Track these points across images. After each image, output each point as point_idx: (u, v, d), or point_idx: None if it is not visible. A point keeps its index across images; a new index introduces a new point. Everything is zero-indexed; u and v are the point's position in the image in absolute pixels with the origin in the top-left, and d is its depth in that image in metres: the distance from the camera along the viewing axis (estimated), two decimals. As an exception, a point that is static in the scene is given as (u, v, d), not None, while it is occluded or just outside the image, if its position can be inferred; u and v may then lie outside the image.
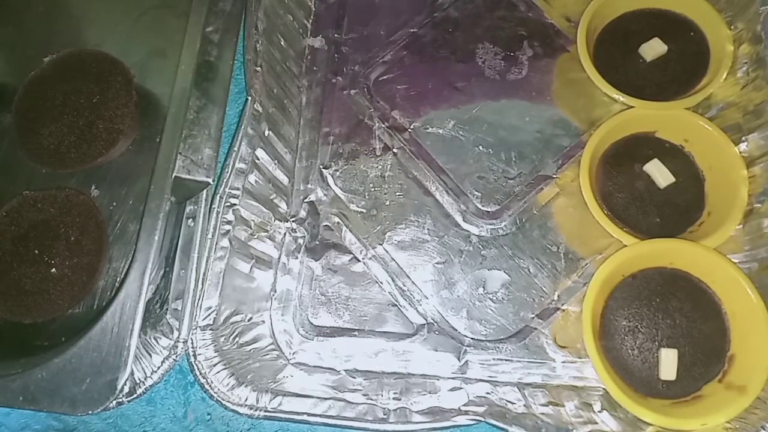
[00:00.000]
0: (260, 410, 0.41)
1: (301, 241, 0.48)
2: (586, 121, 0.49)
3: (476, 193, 0.48)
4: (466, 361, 0.44)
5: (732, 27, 0.48)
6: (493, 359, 0.44)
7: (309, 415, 0.41)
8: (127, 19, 0.54)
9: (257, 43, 0.49)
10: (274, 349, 0.45)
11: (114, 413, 0.44)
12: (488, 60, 0.52)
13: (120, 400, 0.41)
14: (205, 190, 0.46)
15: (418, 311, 0.46)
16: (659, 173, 0.46)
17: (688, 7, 0.50)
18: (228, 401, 0.41)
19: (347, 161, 0.50)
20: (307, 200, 0.50)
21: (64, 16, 0.54)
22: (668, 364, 0.41)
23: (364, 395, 0.43)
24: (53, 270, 0.45)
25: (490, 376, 0.44)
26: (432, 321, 0.46)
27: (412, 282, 0.47)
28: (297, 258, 0.48)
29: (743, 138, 0.46)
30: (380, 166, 0.50)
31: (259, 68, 0.49)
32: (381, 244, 0.48)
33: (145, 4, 0.54)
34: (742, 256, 0.44)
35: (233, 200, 0.46)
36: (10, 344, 0.44)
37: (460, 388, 0.43)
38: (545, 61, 0.52)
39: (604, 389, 0.42)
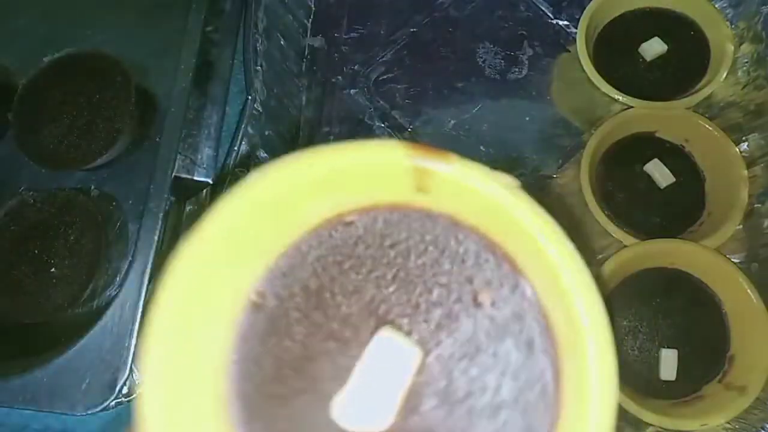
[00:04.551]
0: (260, 410, 0.41)
1: (300, 240, 0.48)
2: (586, 120, 0.49)
3: (476, 192, 0.48)
4: (466, 361, 0.44)
5: (733, 26, 0.48)
6: (493, 359, 0.44)
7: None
8: (126, 18, 0.54)
9: (257, 43, 0.49)
10: (274, 349, 0.45)
11: (113, 413, 0.44)
12: (488, 59, 0.52)
13: (119, 400, 0.41)
14: (204, 190, 0.46)
15: (418, 311, 0.46)
16: (659, 173, 0.46)
17: (688, 6, 0.49)
18: (228, 401, 0.41)
19: (347, 161, 0.50)
20: (306, 200, 0.49)
21: (63, 15, 0.54)
22: (668, 364, 0.41)
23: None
24: (53, 270, 0.45)
25: (490, 376, 0.44)
26: (432, 321, 0.46)
27: (412, 282, 0.47)
28: (297, 258, 0.48)
29: (744, 138, 0.45)
30: (380, 166, 0.50)
31: (259, 68, 0.49)
32: (381, 244, 0.48)
33: (144, 4, 0.54)
34: (742, 256, 0.44)
35: (233, 200, 0.46)
36: (9, 344, 0.44)
37: (460, 388, 0.43)
38: (545, 60, 0.52)
39: (604, 389, 0.42)
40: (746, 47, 0.47)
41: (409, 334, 0.16)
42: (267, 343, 0.16)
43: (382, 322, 0.16)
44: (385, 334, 0.16)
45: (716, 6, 0.48)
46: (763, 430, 0.39)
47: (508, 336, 0.16)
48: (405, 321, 0.16)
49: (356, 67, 0.53)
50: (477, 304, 0.16)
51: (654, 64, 0.49)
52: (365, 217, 0.17)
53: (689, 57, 0.49)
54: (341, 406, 0.15)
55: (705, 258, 0.42)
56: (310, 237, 0.17)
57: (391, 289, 0.17)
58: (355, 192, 0.17)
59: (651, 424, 0.39)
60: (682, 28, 0.50)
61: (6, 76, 0.52)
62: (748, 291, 0.40)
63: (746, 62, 0.47)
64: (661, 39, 0.49)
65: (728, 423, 0.39)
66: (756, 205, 0.44)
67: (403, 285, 0.17)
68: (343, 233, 0.17)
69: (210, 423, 0.16)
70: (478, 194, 0.15)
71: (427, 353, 0.16)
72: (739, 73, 0.47)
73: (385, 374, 0.15)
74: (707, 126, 0.45)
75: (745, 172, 0.44)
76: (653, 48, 0.49)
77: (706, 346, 0.42)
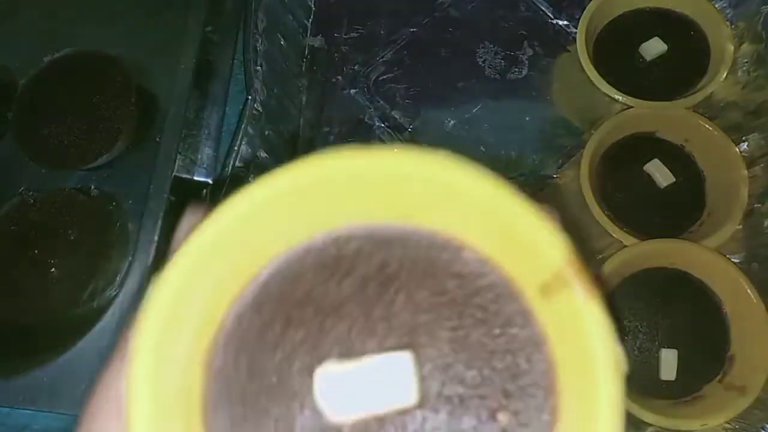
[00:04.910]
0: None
1: (300, 240, 0.48)
2: (586, 120, 0.49)
3: (476, 192, 0.48)
4: (466, 361, 0.44)
5: (733, 26, 0.48)
6: (493, 359, 0.44)
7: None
8: (126, 18, 0.54)
9: (257, 43, 0.49)
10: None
11: (114, 413, 0.44)
12: (488, 59, 0.52)
13: (120, 400, 0.41)
14: (204, 190, 0.46)
15: (418, 311, 0.46)
16: (659, 173, 0.46)
17: (688, 6, 0.49)
18: (228, 401, 0.41)
19: (347, 161, 0.50)
20: (307, 200, 0.50)
21: (63, 15, 0.54)
22: (668, 364, 0.41)
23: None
24: (53, 270, 0.45)
25: (490, 376, 0.44)
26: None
27: (412, 282, 0.47)
28: (297, 258, 0.48)
29: (744, 138, 0.45)
30: (380, 166, 0.50)
31: (259, 68, 0.49)
32: (381, 244, 0.48)
33: (144, 4, 0.54)
34: (742, 256, 0.44)
35: (233, 200, 0.46)
36: (9, 344, 0.44)
37: (460, 388, 0.43)
38: (545, 60, 0.52)
39: (604, 389, 0.42)
40: (746, 47, 0.47)
41: (422, 378, 0.15)
42: (321, 273, 0.16)
43: (411, 343, 0.15)
44: (407, 357, 0.15)
45: (716, 6, 0.48)
46: (764, 430, 0.39)
47: None
48: (428, 366, 0.15)
49: (356, 67, 0.53)
50: (493, 418, 0.15)
51: (654, 64, 0.49)
52: (476, 263, 0.16)
53: (689, 57, 0.49)
54: (331, 374, 0.15)
55: (705, 258, 0.42)
56: (416, 229, 0.16)
57: (447, 337, 0.15)
58: (477, 230, 0.16)
59: (651, 424, 0.39)
60: (682, 28, 0.49)
61: (6, 76, 0.52)
62: (749, 291, 0.40)
63: (746, 62, 0.47)
64: (661, 39, 0.49)
65: (728, 423, 0.39)
66: (756, 205, 0.44)
67: (461, 347, 0.15)
68: (454, 260, 0.16)
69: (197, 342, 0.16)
70: (583, 338, 0.14)
71: (417, 409, 0.15)
72: (739, 73, 0.47)
73: (378, 382, 0.15)
74: (707, 126, 0.45)
75: (745, 172, 0.44)
76: (653, 48, 0.49)
77: (706, 346, 0.42)
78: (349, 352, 0.15)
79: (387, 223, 0.16)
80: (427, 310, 0.16)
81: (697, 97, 0.46)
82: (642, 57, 0.49)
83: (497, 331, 0.15)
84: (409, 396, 0.15)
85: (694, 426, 0.39)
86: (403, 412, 0.15)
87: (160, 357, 0.14)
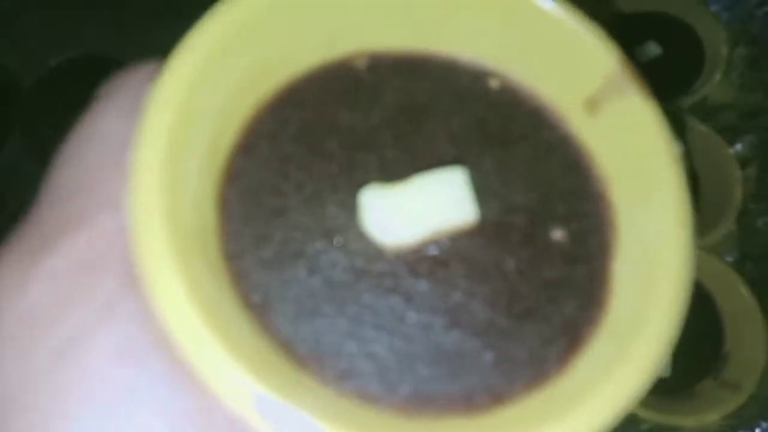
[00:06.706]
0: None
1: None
2: (583, 122, 0.50)
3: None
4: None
5: (727, 29, 0.48)
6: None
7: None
8: (128, 20, 0.54)
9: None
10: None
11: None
12: (486, 62, 0.52)
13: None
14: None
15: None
16: (655, 174, 0.46)
17: (683, 9, 0.50)
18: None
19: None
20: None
21: (64, 17, 0.54)
22: (663, 361, 0.42)
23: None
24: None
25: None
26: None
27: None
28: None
29: (738, 139, 0.46)
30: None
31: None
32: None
33: (146, 6, 0.54)
34: (736, 255, 0.44)
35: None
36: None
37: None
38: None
39: (600, 387, 0.42)
40: (740, 50, 0.47)
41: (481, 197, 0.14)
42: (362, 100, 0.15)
43: (461, 159, 0.14)
44: (461, 172, 0.14)
45: (711, 9, 0.49)
46: (758, 427, 0.39)
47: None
48: (477, 190, 0.14)
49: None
50: (546, 237, 0.14)
51: (649, 66, 0.49)
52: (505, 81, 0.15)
53: (684, 59, 0.49)
54: (377, 195, 0.13)
55: (699, 257, 0.43)
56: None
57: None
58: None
59: (646, 420, 0.40)
60: (677, 31, 0.50)
61: (10, 78, 0.52)
62: (742, 290, 0.41)
63: (740, 65, 0.47)
64: (656, 42, 0.49)
65: (722, 420, 0.39)
66: (749, 206, 0.44)
67: (507, 173, 0.14)
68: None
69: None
70: (643, 141, 0.14)
71: (469, 233, 0.14)
72: (733, 76, 0.47)
73: (432, 201, 0.13)
74: (702, 127, 0.46)
75: (739, 172, 0.44)
76: (648, 50, 0.49)
77: (701, 343, 0.42)
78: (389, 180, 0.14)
79: (407, 50, 0.15)
80: (468, 142, 0.15)
81: (692, 99, 0.47)
82: (637, 60, 0.50)
83: (542, 156, 0.15)
84: (469, 213, 0.13)
85: (688, 422, 0.39)
86: (453, 236, 0.14)
87: (169, 185, 0.12)
